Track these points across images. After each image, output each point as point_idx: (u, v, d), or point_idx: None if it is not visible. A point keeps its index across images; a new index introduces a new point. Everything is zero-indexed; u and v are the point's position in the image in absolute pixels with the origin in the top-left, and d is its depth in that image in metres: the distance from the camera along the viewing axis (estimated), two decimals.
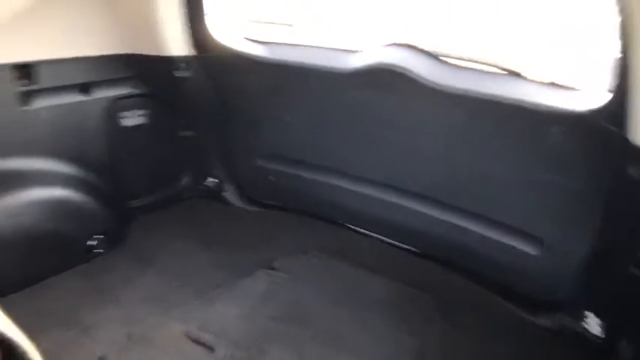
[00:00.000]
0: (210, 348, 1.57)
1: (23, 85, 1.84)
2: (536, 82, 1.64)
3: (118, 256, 2.10)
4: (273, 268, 1.99)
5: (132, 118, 2.25)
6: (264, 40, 2.18)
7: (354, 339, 1.65)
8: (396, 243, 2.19)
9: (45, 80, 1.88)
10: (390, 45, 1.87)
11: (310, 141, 2.21)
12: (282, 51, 2.11)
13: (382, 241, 2.22)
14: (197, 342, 1.60)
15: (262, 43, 2.15)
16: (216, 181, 2.55)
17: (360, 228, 2.30)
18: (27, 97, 1.87)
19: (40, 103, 1.91)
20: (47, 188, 1.94)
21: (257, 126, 2.33)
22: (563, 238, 1.70)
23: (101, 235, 2.08)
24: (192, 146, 2.48)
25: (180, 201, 2.55)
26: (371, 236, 2.26)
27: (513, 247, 1.82)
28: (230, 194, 2.56)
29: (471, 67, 1.76)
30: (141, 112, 2.27)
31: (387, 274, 1.98)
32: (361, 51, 1.93)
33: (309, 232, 2.30)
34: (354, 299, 1.85)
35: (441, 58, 1.80)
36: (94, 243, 2.06)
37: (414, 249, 2.16)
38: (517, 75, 1.68)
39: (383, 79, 1.82)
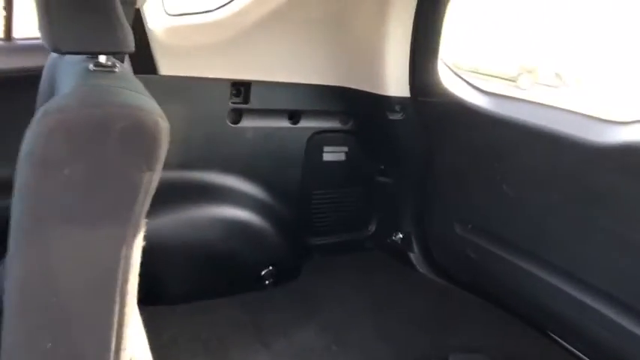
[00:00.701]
0: None
1: (236, 103, 1.84)
2: None
3: (284, 295, 1.95)
4: None
5: (332, 153, 2.13)
6: (496, 91, 1.86)
7: None
8: None
9: (257, 101, 1.86)
10: None
11: (527, 220, 1.79)
12: (516, 108, 1.76)
13: None
14: None
15: (493, 95, 1.84)
16: (403, 238, 2.28)
17: (568, 344, 1.78)
18: (237, 114, 1.86)
19: (248, 122, 1.89)
20: (235, 208, 1.89)
21: (464, 187, 2.00)
22: None
23: (273, 267, 1.96)
24: (387, 195, 2.25)
25: (362, 250, 2.34)
26: (579, 357, 1.74)
27: None
28: (416, 257, 2.25)
29: None
30: (342, 148, 2.13)
31: None
32: (614, 122, 1.49)
33: (501, 328, 1.87)
34: None
35: None
36: (265, 274, 1.96)
37: None
38: None
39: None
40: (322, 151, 2.10)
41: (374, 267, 2.25)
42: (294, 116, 1.99)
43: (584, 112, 1.63)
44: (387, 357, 1.66)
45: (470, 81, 1.99)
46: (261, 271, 1.95)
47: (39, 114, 0.68)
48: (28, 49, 1.51)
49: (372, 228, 2.35)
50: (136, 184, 0.73)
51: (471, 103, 1.81)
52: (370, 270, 2.23)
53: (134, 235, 0.79)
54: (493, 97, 1.82)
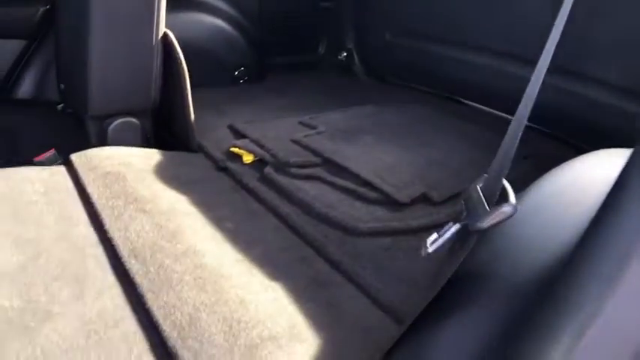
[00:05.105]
0: (314, 127, 1.84)
1: None
2: None
3: (258, 88, 2.44)
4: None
5: None
6: None
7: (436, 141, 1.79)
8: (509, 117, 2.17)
9: None
10: None
11: (436, 12, 2.35)
12: None
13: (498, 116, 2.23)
14: (305, 124, 1.88)
15: None
16: (347, 55, 2.81)
17: (488, 107, 2.31)
18: None
19: None
20: (210, 16, 2.36)
21: None
22: None
23: (244, 68, 2.46)
24: (331, 18, 2.77)
25: (313, 70, 2.83)
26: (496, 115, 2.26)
27: None
28: (357, 68, 2.80)
29: None
30: None
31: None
32: None
33: (435, 106, 2.32)
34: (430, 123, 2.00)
35: None
36: (239, 73, 2.46)
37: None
38: None
39: None
40: None
41: (324, 82, 2.69)
42: None
43: None
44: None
45: None
46: (235, 71, 2.45)
47: None
48: None
49: (322, 49, 2.87)
50: None
51: None
52: (325, 81, 2.70)
53: None
54: None
